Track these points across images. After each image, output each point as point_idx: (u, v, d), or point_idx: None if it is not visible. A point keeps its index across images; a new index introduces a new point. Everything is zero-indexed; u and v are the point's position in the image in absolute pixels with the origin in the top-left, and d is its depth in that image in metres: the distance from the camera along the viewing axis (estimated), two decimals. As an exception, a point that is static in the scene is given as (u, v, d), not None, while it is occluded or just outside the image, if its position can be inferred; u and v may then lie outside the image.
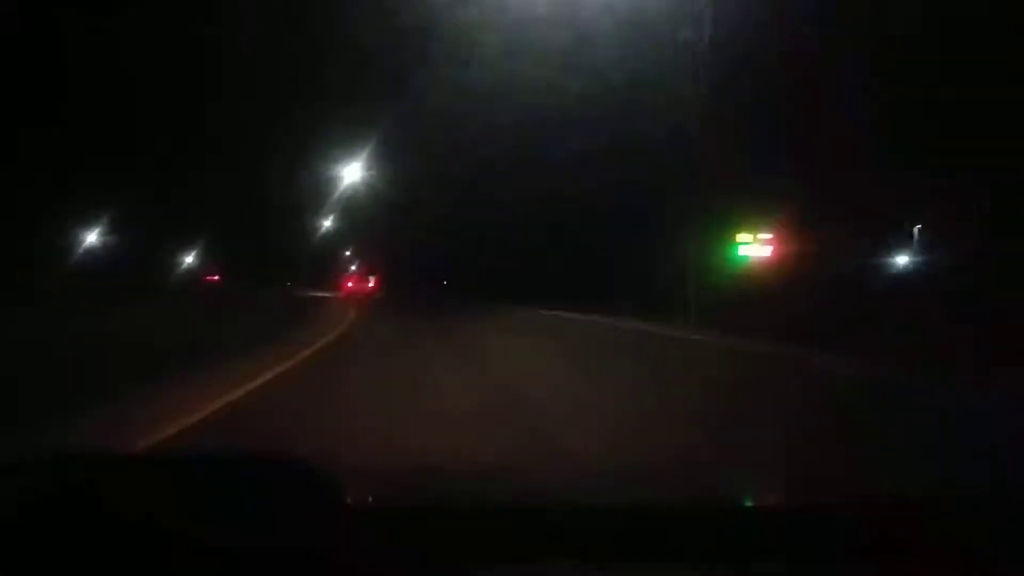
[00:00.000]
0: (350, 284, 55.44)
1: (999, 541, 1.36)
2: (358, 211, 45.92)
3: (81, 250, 30.38)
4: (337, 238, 56.92)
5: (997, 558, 1.33)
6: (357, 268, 73.66)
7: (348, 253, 70.76)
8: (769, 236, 25.11)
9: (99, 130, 23.43)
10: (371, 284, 57.45)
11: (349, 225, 53.65)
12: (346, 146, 31.64)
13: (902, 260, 24.78)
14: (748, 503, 1.80)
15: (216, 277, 60.42)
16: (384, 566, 1.24)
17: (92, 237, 30.75)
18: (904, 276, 23.44)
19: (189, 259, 49.21)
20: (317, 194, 38.49)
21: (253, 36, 23.67)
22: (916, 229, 20.50)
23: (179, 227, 35.47)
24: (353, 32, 23.53)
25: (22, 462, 1.34)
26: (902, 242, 23.39)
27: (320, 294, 46.27)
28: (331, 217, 47.85)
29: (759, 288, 21.78)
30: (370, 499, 1.62)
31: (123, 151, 25.07)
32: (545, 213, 35.54)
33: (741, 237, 25.05)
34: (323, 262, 63.53)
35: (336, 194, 35.47)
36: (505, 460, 4.47)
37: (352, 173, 33.01)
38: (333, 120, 31.97)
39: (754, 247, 25.18)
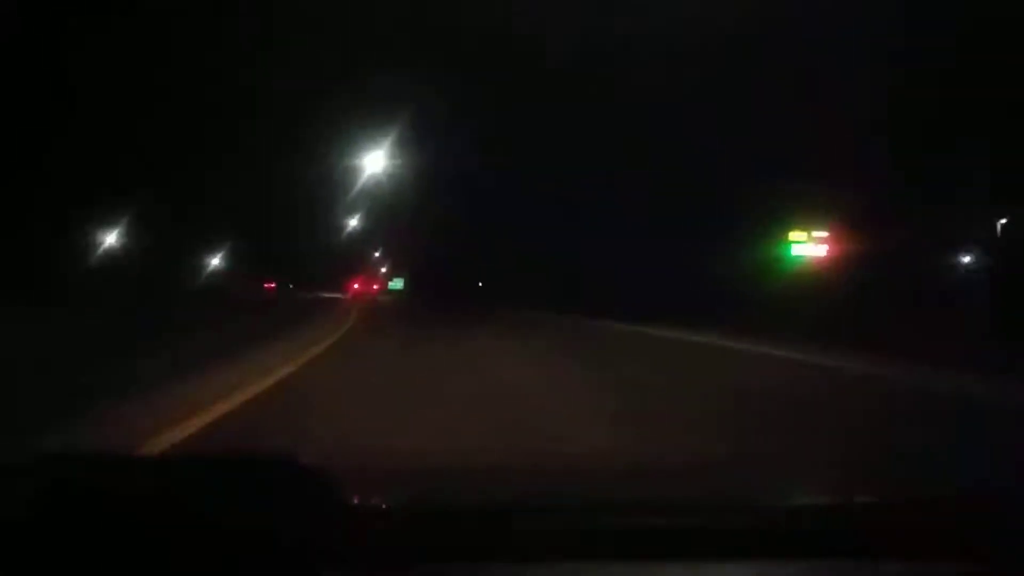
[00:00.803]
0: (356, 286, 57.99)
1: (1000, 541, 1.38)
2: (383, 206, 44.34)
3: (100, 251, 29.70)
4: (365, 236, 55.85)
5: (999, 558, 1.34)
6: (387, 270, 72.95)
7: (377, 255, 69.80)
8: (825, 234, 23.72)
9: (111, 128, 22.75)
10: (375, 287, 61.16)
11: (376, 224, 52.46)
12: (368, 133, 28.18)
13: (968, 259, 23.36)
14: (755, 503, 1.71)
15: (273, 285, 61.73)
16: (384, 566, 1.26)
17: (111, 238, 29.99)
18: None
19: (215, 261, 48.51)
20: (336, 188, 35.73)
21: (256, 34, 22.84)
22: (1000, 225, 19.06)
23: (190, 226, 34.21)
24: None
25: (22, 462, 1.37)
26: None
27: (334, 295, 45.38)
28: (357, 216, 46.66)
29: (823, 293, 20.17)
30: (370, 499, 1.60)
31: (133, 151, 24.34)
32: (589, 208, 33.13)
33: (794, 235, 23.67)
34: (348, 263, 63.02)
35: (358, 185, 31.19)
36: (508, 460, 4.24)
37: (375, 163, 28.50)
38: (354, 105, 29.81)
39: (808, 246, 23.78)
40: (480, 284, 51.35)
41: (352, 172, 29.41)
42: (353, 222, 46.91)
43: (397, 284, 68.23)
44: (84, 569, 1.17)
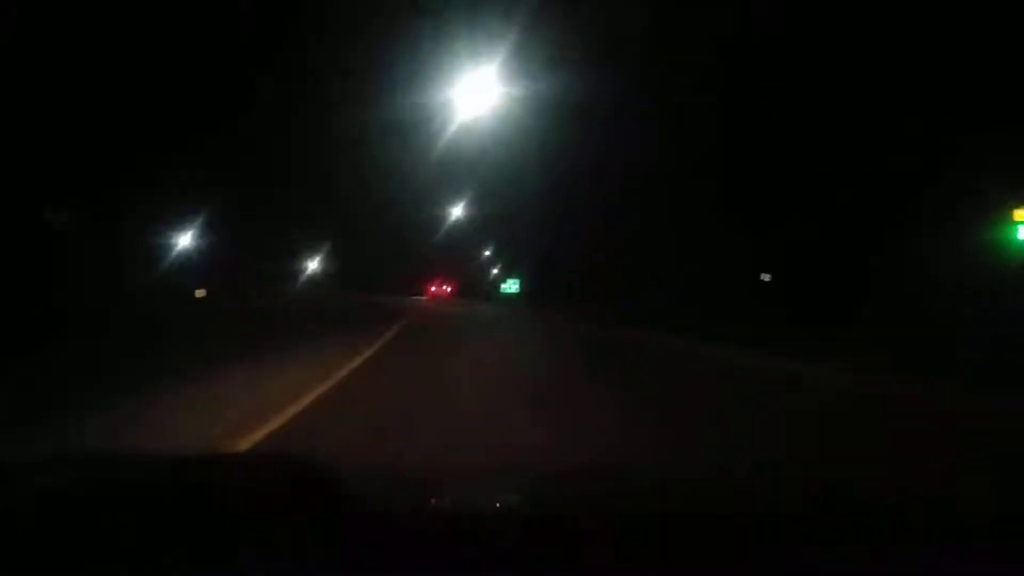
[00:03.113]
0: (432, 289, 67.32)
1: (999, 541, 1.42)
2: (495, 191, 38.04)
3: (174, 254, 27.77)
4: (472, 229, 50.76)
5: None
6: (498, 270, 69.20)
7: (488, 253, 66.14)
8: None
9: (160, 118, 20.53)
10: (448, 290, 68.64)
11: (485, 214, 46.40)
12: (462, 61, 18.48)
13: None
14: (748, 505, 1.78)
15: (448, 289, 66.76)
16: (384, 566, 1.27)
17: (185, 240, 27.97)
18: None
19: (313, 265, 46.54)
20: (422, 129, 25.16)
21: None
22: None
23: (271, 226, 31.56)
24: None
25: (31, 462, 1.48)
26: None
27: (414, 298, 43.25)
28: (461, 204, 42.51)
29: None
30: (371, 501, 1.66)
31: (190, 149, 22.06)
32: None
33: (1020, 214, 18.12)
34: (433, 263, 61.71)
35: (451, 128, 19.75)
36: (509, 463, 4.46)
37: (472, 102, 16.80)
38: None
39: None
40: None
41: (446, 107, 18.74)
42: (457, 211, 42.77)
43: (511, 287, 57.96)
44: (91, 565, 1.20)
